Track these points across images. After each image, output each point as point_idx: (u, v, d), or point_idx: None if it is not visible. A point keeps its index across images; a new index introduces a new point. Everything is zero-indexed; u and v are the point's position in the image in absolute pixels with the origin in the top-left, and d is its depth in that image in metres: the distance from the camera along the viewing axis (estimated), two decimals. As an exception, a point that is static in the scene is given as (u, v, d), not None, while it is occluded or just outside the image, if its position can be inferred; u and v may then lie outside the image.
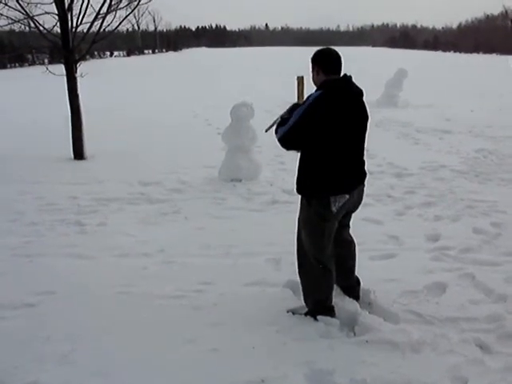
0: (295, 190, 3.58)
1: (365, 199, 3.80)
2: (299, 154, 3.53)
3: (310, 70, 3.54)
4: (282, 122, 3.44)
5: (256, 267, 4.50)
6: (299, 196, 3.60)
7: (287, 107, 3.55)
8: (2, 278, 4.35)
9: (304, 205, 3.53)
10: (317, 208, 3.43)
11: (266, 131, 3.66)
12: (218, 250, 4.89)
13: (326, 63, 3.44)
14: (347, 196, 3.42)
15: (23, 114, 14.46)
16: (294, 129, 3.31)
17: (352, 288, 3.93)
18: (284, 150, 3.53)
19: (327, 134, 3.29)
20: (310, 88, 3.73)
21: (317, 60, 3.47)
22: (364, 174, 3.62)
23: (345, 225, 3.78)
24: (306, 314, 3.64)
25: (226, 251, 4.86)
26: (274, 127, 3.52)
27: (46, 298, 3.95)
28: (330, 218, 3.45)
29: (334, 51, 3.50)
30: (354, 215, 3.93)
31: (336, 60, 3.45)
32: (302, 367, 3.10)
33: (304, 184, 3.50)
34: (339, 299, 3.79)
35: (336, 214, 3.45)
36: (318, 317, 3.56)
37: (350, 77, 3.45)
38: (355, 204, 3.65)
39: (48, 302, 3.91)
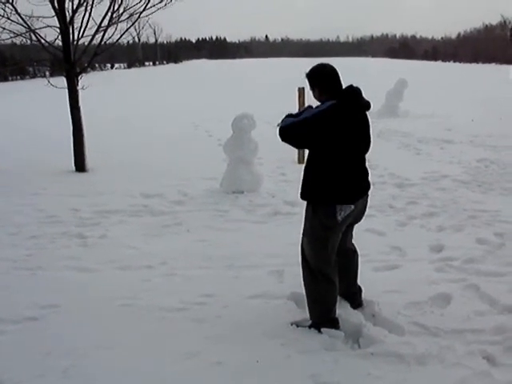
0: (299, 196, 3.57)
1: (367, 210, 3.79)
2: (305, 162, 3.54)
3: (309, 87, 3.56)
4: (292, 115, 3.47)
5: (259, 279, 4.47)
6: (303, 207, 3.60)
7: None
8: (4, 291, 4.32)
9: (309, 215, 3.53)
10: (322, 217, 3.43)
11: (278, 125, 3.64)
12: (221, 262, 4.86)
13: (326, 84, 3.44)
14: (352, 207, 3.43)
15: (24, 126, 14.47)
16: (302, 123, 3.34)
17: (354, 295, 3.94)
18: (280, 139, 3.48)
19: (334, 143, 3.31)
20: (309, 100, 3.73)
21: (315, 82, 3.48)
22: (368, 185, 3.63)
23: (347, 235, 3.77)
24: (310, 327, 3.61)
25: (229, 263, 4.83)
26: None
27: (47, 312, 3.92)
28: (334, 227, 3.44)
29: (329, 68, 3.49)
30: (356, 226, 3.92)
31: (334, 77, 3.46)
32: (307, 381, 3.07)
33: (310, 191, 3.49)
34: (343, 311, 3.78)
35: (340, 224, 3.45)
36: (322, 329, 3.54)
37: (359, 88, 3.46)
38: (359, 215, 3.66)
39: (50, 315, 3.88)
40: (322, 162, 3.40)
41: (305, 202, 3.60)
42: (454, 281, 4.38)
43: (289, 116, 3.50)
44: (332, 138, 3.29)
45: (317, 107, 3.42)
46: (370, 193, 3.70)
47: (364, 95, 3.48)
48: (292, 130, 3.40)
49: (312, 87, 3.52)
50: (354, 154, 3.45)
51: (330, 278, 3.56)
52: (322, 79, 3.47)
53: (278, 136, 3.47)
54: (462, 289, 4.23)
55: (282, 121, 3.50)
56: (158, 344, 3.48)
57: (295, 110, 12.27)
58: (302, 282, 3.68)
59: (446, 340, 3.47)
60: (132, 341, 3.53)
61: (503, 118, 14.96)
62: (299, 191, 3.57)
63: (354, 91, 3.42)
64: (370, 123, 3.57)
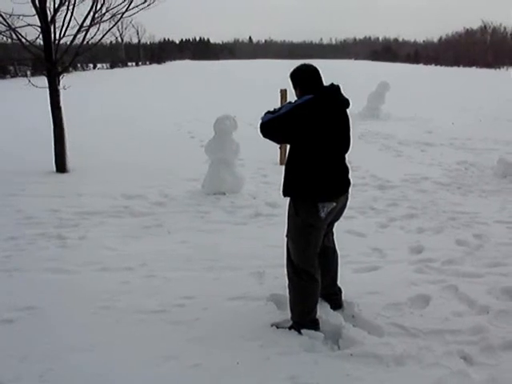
0: (281, 193, 3.58)
1: (348, 212, 3.81)
2: (286, 159, 3.54)
3: (292, 87, 3.61)
4: (271, 112, 3.50)
5: (239, 281, 4.46)
6: (285, 209, 3.60)
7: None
8: (-20, 293, 4.25)
9: (291, 213, 3.54)
10: (304, 217, 3.45)
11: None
12: (201, 264, 4.84)
13: (308, 84, 3.49)
14: (334, 204, 3.46)
15: (4, 126, 14.27)
16: (279, 119, 3.38)
17: (334, 296, 3.96)
18: (261, 135, 3.54)
19: (312, 138, 3.34)
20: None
21: (298, 82, 3.54)
22: (349, 182, 3.66)
23: (327, 233, 3.80)
24: (290, 328, 3.62)
25: (209, 265, 4.81)
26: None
27: (24, 314, 3.87)
28: (317, 224, 3.46)
29: (311, 68, 3.56)
30: (337, 228, 3.94)
31: (315, 77, 3.52)
32: (286, 382, 3.07)
33: (291, 187, 3.51)
34: (323, 312, 3.79)
35: (323, 221, 3.47)
36: (302, 330, 3.55)
37: (338, 86, 3.50)
38: (339, 212, 3.69)
39: (27, 317, 3.83)
40: (303, 159, 3.42)
41: (286, 203, 3.61)
42: (433, 282, 4.42)
43: (268, 112, 3.51)
44: (309, 132, 3.33)
45: (295, 102, 3.45)
46: (350, 194, 3.73)
47: (343, 93, 3.51)
48: (271, 126, 3.44)
49: (294, 87, 3.58)
50: (334, 151, 3.47)
51: (313, 276, 3.57)
52: (303, 78, 3.52)
53: (259, 133, 3.51)
54: (440, 290, 4.27)
55: (262, 118, 3.52)
56: (136, 347, 3.45)
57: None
58: (287, 282, 3.68)
59: (424, 341, 3.50)
60: (110, 343, 3.49)
61: (483, 120, 15.15)
62: (281, 189, 3.58)
63: (332, 87, 3.47)
64: (351, 122, 3.59)
